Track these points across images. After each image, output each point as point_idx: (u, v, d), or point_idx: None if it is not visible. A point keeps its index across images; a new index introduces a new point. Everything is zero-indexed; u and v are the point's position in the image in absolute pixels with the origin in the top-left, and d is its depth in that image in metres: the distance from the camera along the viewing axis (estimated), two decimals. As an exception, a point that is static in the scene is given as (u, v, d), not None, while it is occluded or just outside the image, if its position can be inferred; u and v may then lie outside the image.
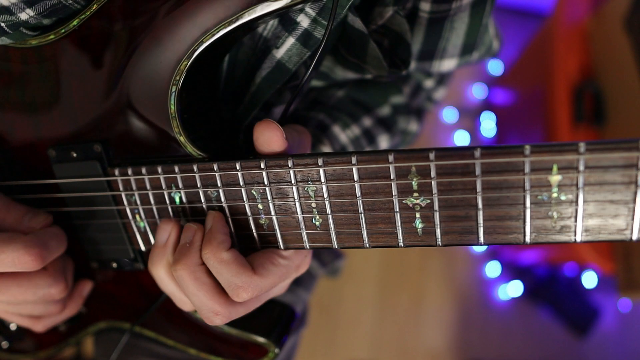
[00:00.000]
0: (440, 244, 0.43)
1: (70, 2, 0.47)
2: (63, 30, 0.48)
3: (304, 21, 0.51)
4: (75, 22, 0.48)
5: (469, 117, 2.30)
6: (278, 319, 0.60)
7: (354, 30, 0.56)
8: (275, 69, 0.54)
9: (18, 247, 0.48)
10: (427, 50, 0.69)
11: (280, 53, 0.53)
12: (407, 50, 0.59)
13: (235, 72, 0.58)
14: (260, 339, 0.56)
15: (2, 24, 0.48)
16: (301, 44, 0.51)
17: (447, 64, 0.72)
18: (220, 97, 0.59)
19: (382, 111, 0.78)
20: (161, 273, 0.50)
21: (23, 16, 0.47)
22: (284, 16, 0.52)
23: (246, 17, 0.42)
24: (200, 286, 0.46)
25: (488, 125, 2.25)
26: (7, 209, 0.53)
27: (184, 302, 0.52)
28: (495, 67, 2.35)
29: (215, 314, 0.48)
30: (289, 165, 0.44)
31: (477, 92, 2.32)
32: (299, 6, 0.49)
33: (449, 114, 2.26)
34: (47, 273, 0.53)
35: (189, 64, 0.45)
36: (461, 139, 2.24)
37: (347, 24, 0.56)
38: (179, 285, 0.48)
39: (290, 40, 0.53)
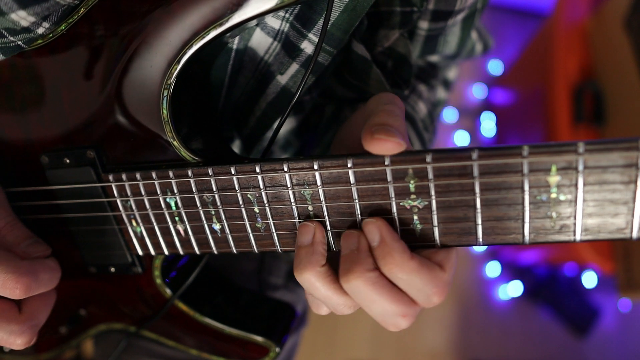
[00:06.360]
0: (439, 245, 0.43)
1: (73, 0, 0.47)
2: (51, 35, 0.48)
3: (307, 48, 0.51)
4: (62, 27, 0.47)
5: (469, 117, 2.29)
6: (279, 318, 0.60)
7: (357, 56, 0.57)
8: (281, 95, 0.55)
9: (9, 270, 0.45)
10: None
11: (284, 79, 0.54)
12: (409, 70, 0.60)
13: (234, 94, 0.58)
14: (261, 339, 0.57)
15: (20, 42, 0.47)
16: (306, 70, 0.51)
17: (432, 58, 0.75)
18: (220, 117, 0.59)
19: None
20: (311, 277, 0.44)
21: (40, 30, 0.47)
22: (287, 42, 0.52)
23: (236, 19, 0.42)
24: (381, 292, 0.42)
25: (488, 125, 2.25)
26: (11, 228, 0.51)
27: (339, 306, 0.45)
28: (495, 67, 2.34)
29: (403, 316, 0.43)
30: (285, 170, 0.44)
31: (477, 92, 2.32)
32: (302, 32, 0.50)
33: (449, 114, 2.26)
34: (19, 319, 0.49)
35: (179, 67, 0.45)
36: (461, 139, 2.24)
37: (351, 50, 0.57)
38: (353, 295, 0.43)
39: (295, 67, 0.53)
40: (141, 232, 0.53)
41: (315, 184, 0.44)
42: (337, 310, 0.46)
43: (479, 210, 0.40)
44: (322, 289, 0.44)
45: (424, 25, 0.63)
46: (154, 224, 0.51)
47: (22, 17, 0.44)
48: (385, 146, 0.39)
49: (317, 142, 0.72)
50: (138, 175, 0.49)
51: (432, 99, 0.75)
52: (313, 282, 0.44)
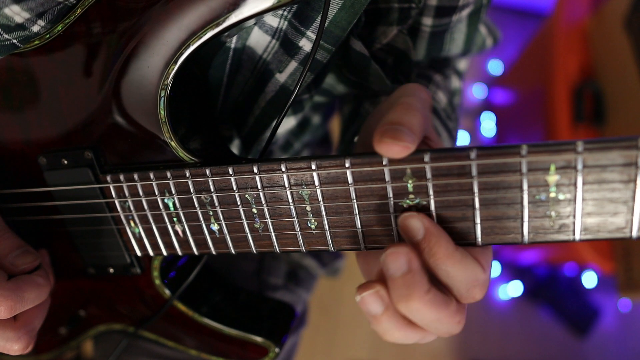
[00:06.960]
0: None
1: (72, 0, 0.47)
2: (48, 36, 0.48)
3: (306, 45, 0.51)
4: (59, 27, 0.47)
5: (469, 117, 2.29)
6: (278, 318, 0.60)
7: (355, 53, 0.56)
8: (280, 93, 0.55)
9: None
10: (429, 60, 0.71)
11: (283, 77, 0.54)
12: (410, 66, 0.60)
13: (233, 93, 0.58)
14: (261, 339, 0.57)
15: (14, 41, 0.47)
16: (303, 68, 0.51)
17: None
18: (218, 117, 0.59)
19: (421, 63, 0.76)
20: (419, 304, 0.39)
21: (35, 28, 0.47)
22: (286, 40, 0.52)
23: (233, 19, 0.41)
24: (439, 309, 0.39)
25: (488, 125, 2.24)
26: (0, 238, 0.51)
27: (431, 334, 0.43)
28: (495, 67, 2.34)
29: (458, 323, 0.41)
30: (282, 170, 0.44)
31: (477, 92, 2.32)
32: (301, 29, 0.50)
33: (449, 114, 2.26)
34: (14, 326, 0.49)
35: (176, 68, 0.45)
36: (461, 139, 2.24)
37: (349, 47, 0.56)
38: (413, 318, 0.40)
39: (293, 65, 0.53)
40: (139, 232, 0.53)
41: (313, 184, 0.43)
42: (427, 339, 0.44)
43: (477, 210, 0.40)
44: (433, 312, 0.40)
45: (427, 21, 0.62)
46: (152, 224, 0.51)
47: (15, 13, 0.44)
48: (392, 149, 0.37)
49: (339, 141, 0.72)
50: (136, 176, 0.49)
51: (449, 87, 0.75)
52: (420, 308, 0.39)
